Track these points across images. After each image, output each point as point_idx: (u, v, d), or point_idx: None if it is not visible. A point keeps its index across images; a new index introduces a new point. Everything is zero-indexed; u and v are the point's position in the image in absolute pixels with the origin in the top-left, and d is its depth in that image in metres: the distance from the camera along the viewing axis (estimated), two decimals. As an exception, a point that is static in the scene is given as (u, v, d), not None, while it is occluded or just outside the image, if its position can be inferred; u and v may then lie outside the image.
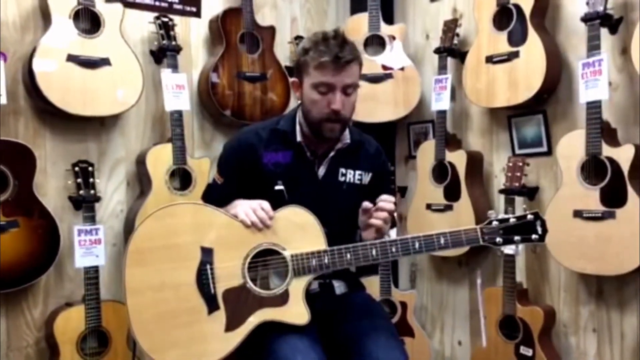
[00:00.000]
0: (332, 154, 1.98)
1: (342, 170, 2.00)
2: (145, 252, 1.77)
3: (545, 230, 1.81)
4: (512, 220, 1.81)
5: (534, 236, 1.81)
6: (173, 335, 1.74)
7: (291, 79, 1.99)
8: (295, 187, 1.94)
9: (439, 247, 1.80)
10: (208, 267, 1.78)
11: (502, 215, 1.85)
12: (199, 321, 1.75)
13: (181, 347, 1.74)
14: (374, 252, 1.80)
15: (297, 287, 1.78)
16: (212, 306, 1.76)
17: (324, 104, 1.86)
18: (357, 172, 2.02)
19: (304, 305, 1.77)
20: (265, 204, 1.83)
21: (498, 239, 1.80)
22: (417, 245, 1.79)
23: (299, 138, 1.96)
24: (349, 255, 1.80)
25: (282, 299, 1.78)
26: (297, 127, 1.97)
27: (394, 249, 1.79)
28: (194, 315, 1.75)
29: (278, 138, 1.98)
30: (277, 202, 1.86)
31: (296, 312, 1.77)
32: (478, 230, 1.81)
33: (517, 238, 1.81)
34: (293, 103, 3.08)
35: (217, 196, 1.98)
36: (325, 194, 1.96)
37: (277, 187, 1.92)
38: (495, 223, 1.81)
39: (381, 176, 2.11)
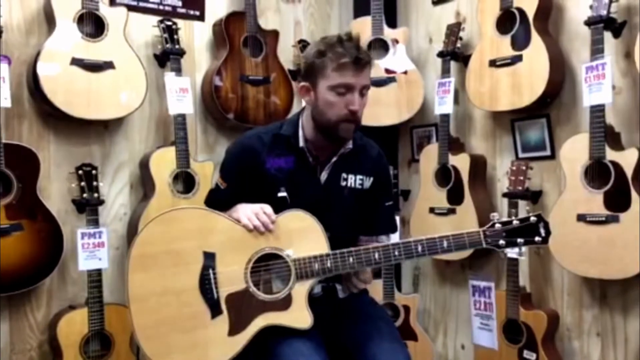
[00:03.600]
0: (334, 159, 1.98)
1: (344, 175, 2.00)
2: (148, 257, 1.78)
3: (548, 232, 1.81)
4: (515, 222, 1.81)
5: (537, 238, 1.80)
6: (177, 340, 1.75)
7: (300, 84, 1.96)
8: (297, 192, 1.94)
9: (441, 250, 1.80)
10: (211, 271, 1.78)
11: (505, 218, 1.84)
12: (202, 326, 1.76)
13: (185, 352, 1.75)
14: (376, 255, 1.79)
15: (300, 291, 1.78)
16: (215, 311, 1.77)
17: (341, 105, 1.86)
18: (359, 177, 2.02)
19: (306, 310, 1.77)
20: (268, 208, 1.83)
21: (501, 242, 1.80)
22: (419, 248, 1.79)
23: (301, 143, 1.96)
24: (351, 259, 1.79)
25: (285, 303, 1.78)
26: (300, 132, 1.97)
27: (396, 253, 1.79)
28: (197, 320, 1.76)
29: (281, 143, 1.97)
30: (280, 208, 1.86)
31: (299, 317, 1.77)
32: (481, 233, 1.80)
33: (520, 240, 1.80)
34: (296, 107, 3.08)
35: (220, 201, 1.99)
36: (327, 199, 1.96)
37: (280, 194, 1.92)
38: (498, 226, 1.81)
39: (382, 180, 2.10)
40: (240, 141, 2.04)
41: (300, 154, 1.97)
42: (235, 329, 1.76)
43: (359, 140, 2.04)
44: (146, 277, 1.77)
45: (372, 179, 2.05)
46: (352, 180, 2.01)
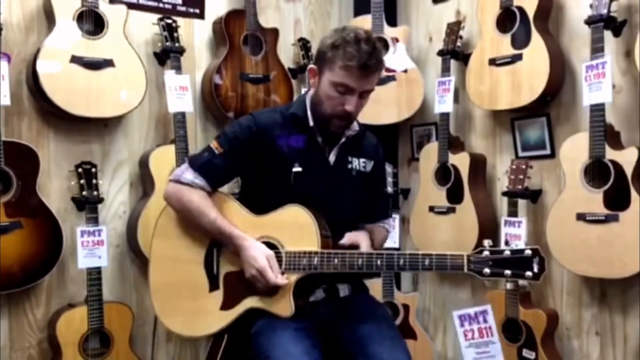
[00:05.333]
0: (342, 140, 2.00)
1: (349, 157, 2.03)
2: (170, 226, 1.99)
3: (542, 270, 1.68)
4: (506, 252, 1.71)
5: (527, 273, 1.68)
6: (179, 303, 1.96)
7: (310, 65, 1.99)
8: (309, 171, 1.95)
9: (422, 267, 1.78)
10: (215, 250, 1.94)
11: (499, 247, 1.74)
12: (201, 296, 1.93)
13: (184, 315, 1.95)
14: (359, 261, 1.83)
15: (288, 281, 1.85)
16: (213, 285, 1.93)
17: (338, 102, 1.88)
18: (362, 160, 2.06)
19: (290, 300, 1.84)
20: (273, 260, 1.84)
21: (486, 270, 1.71)
22: (401, 262, 1.80)
23: (311, 123, 1.98)
24: (336, 261, 1.84)
25: (272, 290, 1.86)
26: (309, 112, 1.98)
27: (379, 262, 1.82)
28: (198, 290, 1.93)
29: (291, 122, 1.98)
30: (296, 183, 1.91)
31: (281, 305, 1.85)
32: (464, 258, 1.74)
33: (507, 272, 1.70)
34: (296, 105, 3.08)
35: (210, 164, 1.95)
36: (337, 180, 1.99)
37: (295, 169, 1.93)
38: (486, 253, 1.72)
39: (380, 167, 2.17)
40: (253, 116, 2.00)
41: (310, 133, 1.98)
42: (227, 304, 1.91)
43: (361, 125, 2.08)
44: (165, 243, 1.99)
45: (372, 162, 2.10)
46: (357, 163, 2.05)
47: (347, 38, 1.84)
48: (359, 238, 1.96)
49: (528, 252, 1.70)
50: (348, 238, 1.95)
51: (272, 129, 1.96)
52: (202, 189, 1.94)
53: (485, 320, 2.77)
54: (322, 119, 1.94)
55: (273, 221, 1.90)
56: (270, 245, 1.88)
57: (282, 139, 1.95)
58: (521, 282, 2.62)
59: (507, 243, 2.64)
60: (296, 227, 1.87)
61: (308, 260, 1.84)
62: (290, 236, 1.88)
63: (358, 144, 2.06)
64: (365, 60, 1.82)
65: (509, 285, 2.64)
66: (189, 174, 1.95)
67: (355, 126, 2.03)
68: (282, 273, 1.85)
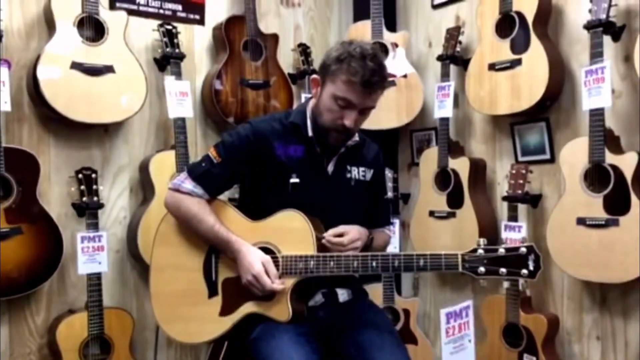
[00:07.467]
0: (342, 150, 2.00)
1: (348, 167, 2.03)
2: (170, 234, 2.00)
3: (538, 267, 1.68)
4: (500, 250, 1.71)
5: (523, 271, 1.68)
6: (179, 310, 1.96)
7: (314, 75, 1.98)
8: (307, 181, 1.95)
9: (417, 268, 1.79)
10: (213, 257, 1.95)
11: (495, 246, 1.74)
12: (200, 303, 1.94)
13: (183, 322, 1.97)
14: (355, 263, 1.84)
15: (285, 285, 1.86)
16: (212, 291, 1.94)
17: (337, 115, 1.89)
18: (361, 169, 2.06)
19: (287, 304, 1.85)
20: (269, 265, 1.85)
21: (481, 269, 1.71)
22: (396, 263, 1.81)
23: (310, 133, 1.98)
24: (332, 263, 1.84)
25: (269, 295, 1.87)
26: (308, 122, 1.99)
27: (374, 264, 1.82)
28: (197, 297, 1.94)
29: (290, 131, 1.99)
30: (294, 194, 1.92)
31: (279, 309, 1.86)
32: (459, 257, 1.74)
33: (502, 271, 1.70)
34: (296, 110, 3.09)
35: (209, 174, 1.96)
36: (336, 190, 2.00)
37: (292, 180, 1.94)
38: (480, 252, 1.72)
39: (380, 175, 2.17)
40: (251, 124, 2.00)
41: (309, 143, 1.98)
42: (225, 310, 1.92)
43: (361, 133, 2.08)
44: (166, 251, 2.00)
45: (372, 171, 2.10)
46: (356, 172, 2.05)
47: (353, 53, 1.83)
48: (351, 227, 1.96)
49: (523, 249, 1.70)
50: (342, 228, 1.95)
51: (270, 138, 1.96)
52: (200, 197, 1.95)
53: (466, 315, 2.78)
54: (321, 130, 1.95)
55: (269, 226, 1.92)
56: (267, 250, 1.89)
57: (281, 148, 1.96)
58: (521, 285, 2.62)
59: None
60: (292, 231, 1.89)
61: (304, 263, 1.85)
62: (287, 240, 1.89)
63: (358, 152, 2.06)
64: (369, 77, 1.82)
65: (506, 284, 2.63)
66: (188, 183, 1.97)
67: (355, 136, 2.02)
68: (280, 277, 1.85)
